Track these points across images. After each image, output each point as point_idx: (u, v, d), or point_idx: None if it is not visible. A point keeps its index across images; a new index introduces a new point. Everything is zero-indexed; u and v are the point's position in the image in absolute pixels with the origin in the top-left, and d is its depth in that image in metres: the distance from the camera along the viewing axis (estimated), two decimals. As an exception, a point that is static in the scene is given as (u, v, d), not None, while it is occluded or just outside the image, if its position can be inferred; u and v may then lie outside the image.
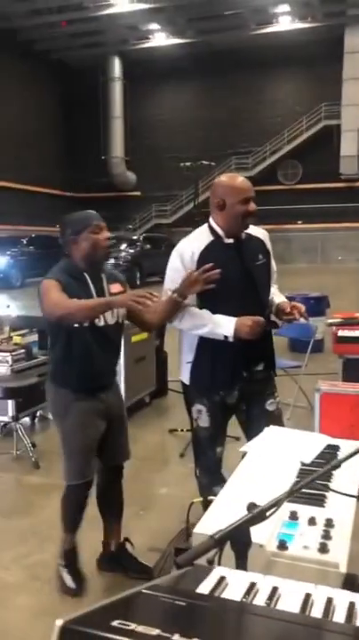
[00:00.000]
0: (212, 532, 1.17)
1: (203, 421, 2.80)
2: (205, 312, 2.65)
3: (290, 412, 5.24)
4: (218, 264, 2.56)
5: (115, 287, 2.74)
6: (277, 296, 2.89)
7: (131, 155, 29.78)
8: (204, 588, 0.87)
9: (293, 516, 1.48)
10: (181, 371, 2.85)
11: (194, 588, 0.84)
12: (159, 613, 0.70)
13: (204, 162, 5.69)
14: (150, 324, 2.85)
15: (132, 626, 0.62)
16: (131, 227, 27.92)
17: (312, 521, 1.46)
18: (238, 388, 2.76)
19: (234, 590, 0.87)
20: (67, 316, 2.48)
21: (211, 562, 1.15)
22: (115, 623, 0.63)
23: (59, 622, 0.67)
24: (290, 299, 9.44)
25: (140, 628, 0.62)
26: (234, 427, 4.92)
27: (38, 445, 4.50)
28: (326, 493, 1.60)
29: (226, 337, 2.60)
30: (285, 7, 24.61)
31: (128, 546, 2.96)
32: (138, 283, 17.24)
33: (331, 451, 1.96)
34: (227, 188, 2.63)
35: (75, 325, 2.56)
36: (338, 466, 1.31)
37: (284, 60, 26.19)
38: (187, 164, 5.80)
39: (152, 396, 5.72)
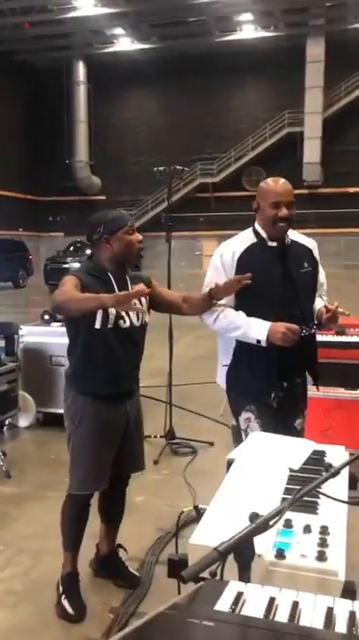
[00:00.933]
0: (212, 544, 1.14)
1: (255, 429, 2.61)
2: (241, 314, 2.58)
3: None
4: (258, 266, 2.55)
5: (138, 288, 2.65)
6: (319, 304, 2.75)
7: (96, 159, 29.65)
8: (223, 604, 0.84)
9: (288, 524, 1.46)
10: (218, 373, 2.81)
11: (212, 606, 0.82)
12: (190, 636, 0.68)
13: (178, 167, 5.72)
14: (183, 313, 2.77)
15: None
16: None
17: (307, 529, 1.44)
18: (275, 397, 2.65)
19: (254, 606, 0.85)
20: (61, 305, 2.39)
21: (213, 574, 1.13)
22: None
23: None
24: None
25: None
26: (207, 432, 4.93)
27: (8, 454, 4.39)
28: (318, 500, 1.59)
29: (258, 341, 2.52)
30: (248, 16, 24.95)
31: (121, 552, 2.92)
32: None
33: (318, 456, 1.95)
34: (262, 191, 2.61)
35: (97, 327, 2.47)
36: (337, 473, 1.30)
37: (248, 67, 26.51)
38: (161, 168, 5.82)
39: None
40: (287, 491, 1.67)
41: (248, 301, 2.58)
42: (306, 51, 25.67)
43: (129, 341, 2.59)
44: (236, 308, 2.62)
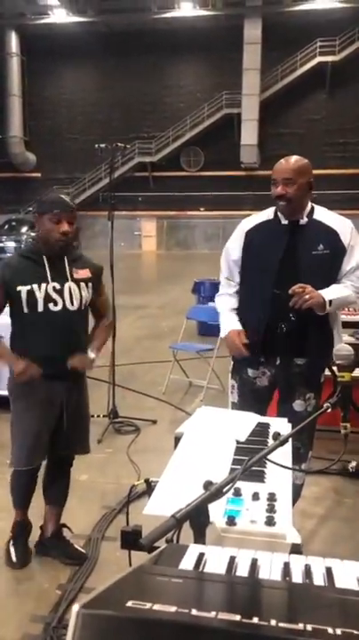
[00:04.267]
0: (166, 513, 1.18)
1: (233, 397, 2.83)
2: (228, 305, 2.74)
3: (203, 393, 5.36)
4: (263, 241, 2.62)
5: (83, 272, 2.67)
6: (330, 289, 2.56)
7: (31, 134, 28.76)
8: (186, 564, 0.87)
9: (237, 492, 1.52)
10: None
11: (176, 567, 0.85)
12: (163, 592, 0.70)
13: (119, 144, 5.62)
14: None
15: (148, 605, 0.62)
16: (31, 209, 27.04)
17: (255, 496, 1.50)
18: (270, 375, 2.72)
19: (216, 564, 0.88)
20: None
21: (169, 541, 1.16)
22: (130, 604, 0.62)
23: (76, 607, 0.65)
24: (198, 284, 9.56)
25: (157, 607, 0.62)
26: (150, 411, 4.97)
27: None
28: (265, 469, 1.65)
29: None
30: (187, -7, 24.77)
31: (65, 531, 2.94)
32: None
33: (263, 428, 2.02)
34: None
35: (25, 312, 2.55)
36: (286, 441, 1.36)
37: (187, 46, 26.34)
38: (102, 145, 5.70)
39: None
40: (235, 461, 1.73)
41: (249, 276, 2.69)
42: (244, 32, 25.74)
43: (61, 325, 2.60)
44: (241, 280, 2.73)
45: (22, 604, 2.56)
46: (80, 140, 27.42)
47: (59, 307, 2.57)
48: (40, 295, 2.54)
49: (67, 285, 2.60)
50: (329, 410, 1.51)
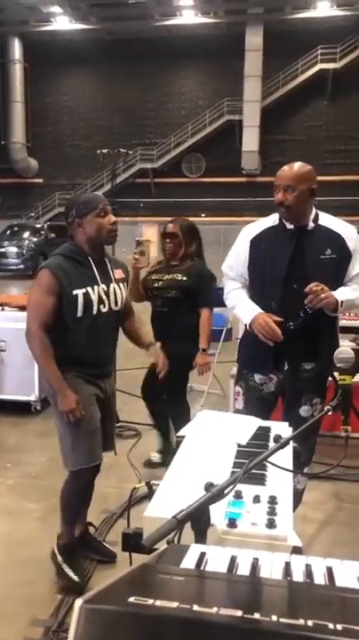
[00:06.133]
0: (166, 516, 1.18)
1: (239, 404, 2.82)
2: (243, 295, 2.71)
3: (204, 398, 5.36)
4: (269, 247, 2.62)
5: (119, 273, 2.71)
6: (341, 291, 2.60)
7: (33, 141, 28.85)
8: (188, 564, 0.88)
9: (238, 495, 1.52)
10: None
11: (178, 565, 0.86)
12: (165, 589, 0.71)
13: (122, 150, 5.65)
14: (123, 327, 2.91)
15: (150, 601, 0.63)
16: (33, 215, 27.12)
17: (256, 499, 1.51)
18: (277, 381, 2.72)
19: (217, 563, 0.89)
20: (31, 345, 2.52)
21: (170, 542, 1.17)
22: (132, 600, 0.63)
23: (78, 602, 0.66)
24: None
25: (159, 602, 0.62)
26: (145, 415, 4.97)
27: None
28: (266, 472, 1.66)
29: (246, 325, 2.66)
30: (188, 1, 24.87)
31: (91, 529, 2.95)
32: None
33: (264, 432, 2.03)
34: None
35: (79, 315, 2.52)
36: (287, 443, 1.36)
37: (189, 53, 26.44)
38: (104, 151, 5.73)
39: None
40: (236, 464, 1.74)
41: (257, 281, 2.69)
42: (245, 39, 25.86)
43: (109, 325, 2.64)
44: (249, 285, 2.74)
45: (23, 607, 2.56)
46: (82, 146, 27.51)
47: (107, 308, 2.60)
48: (94, 298, 2.55)
49: (112, 287, 2.64)
50: (330, 412, 1.52)
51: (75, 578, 2.66)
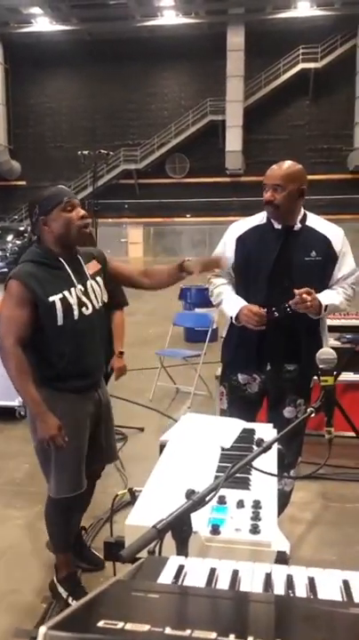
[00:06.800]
0: (148, 524, 1.15)
1: (223, 404, 2.80)
2: (228, 289, 2.69)
3: (191, 400, 5.34)
4: (255, 246, 2.59)
5: (92, 266, 2.44)
6: (326, 295, 2.57)
7: (15, 143, 28.66)
8: (165, 578, 0.85)
9: (221, 500, 1.50)
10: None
11: (154, 580, 0.82)
12: (138, 609, 0.68)
13: (103, 151, 5.60)
14: (145, 288, 2.62)
15: (120, 624, 0.59)
16: (16, 217, 26.91)
17: (240, 504, 1.48)
18: (261, 381, 2.69)
19: (196, 577, 0.86)
20: (4, 360, 2.27)
21: (151, 552, 1.13)
22: (101, 624, 0.59)
23: (42, 629, 0.62)
24: (184, 290, 9.56)
25: (129, 626, 0.59)
26: (137, 418, 4.93)
27: None
28: (250, 476, 1.63)
29: (231, 318, 2.62)
30: (169, 1, 24.86)
31: (84, 534, 2.87)
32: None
33: (248, 434, 2.01)
34: None
35: (60, 323, 2.27)
36: (269, 447, 1.34)
37: (171, 54, 26.42)
38: (85, 152, 5.67)
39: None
40: (220, 469, 1.71)
41: (242, 280, 2.67)
42: (226, 39, 25.89)
43: (97, 327, 2.42)
44: (235, 282, 2.71)
45: (7, 617, 2.51)
46: (65, 147, 27.36)
47: (91, 309, 2.35)
48: (73, 301, 2.30)
49: (89, 284, 2.39)
50: (313, 414, 1.50)
51: None
